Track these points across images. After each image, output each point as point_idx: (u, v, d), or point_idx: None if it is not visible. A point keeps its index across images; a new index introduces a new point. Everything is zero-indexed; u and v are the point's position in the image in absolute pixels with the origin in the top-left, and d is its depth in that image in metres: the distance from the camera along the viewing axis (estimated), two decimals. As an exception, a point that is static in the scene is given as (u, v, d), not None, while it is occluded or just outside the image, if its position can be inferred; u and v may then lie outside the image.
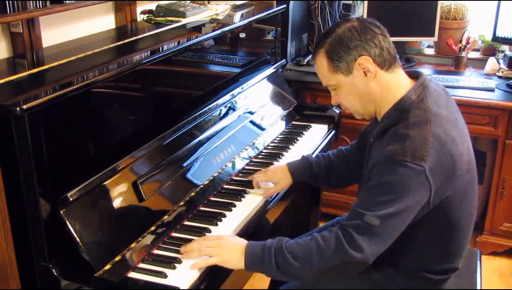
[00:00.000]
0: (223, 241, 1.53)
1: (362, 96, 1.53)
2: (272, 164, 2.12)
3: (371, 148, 1.57)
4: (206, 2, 2.64)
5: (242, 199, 1.86)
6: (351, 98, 1.55)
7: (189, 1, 2.46)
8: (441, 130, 1.44)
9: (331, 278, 1.57)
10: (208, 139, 2.01)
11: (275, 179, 1.89)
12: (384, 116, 1.52)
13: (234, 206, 1.81)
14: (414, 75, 1.57)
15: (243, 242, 1.53)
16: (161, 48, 1.92)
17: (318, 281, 1.49)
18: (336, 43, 1.48)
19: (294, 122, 2.58)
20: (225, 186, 1.95)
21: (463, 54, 3.11)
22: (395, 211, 1.40)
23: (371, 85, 1.50)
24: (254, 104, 2.38)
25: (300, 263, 1.45)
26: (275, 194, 1.93)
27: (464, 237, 1.60)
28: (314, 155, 1.96)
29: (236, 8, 2.49)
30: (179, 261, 1.52)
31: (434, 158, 1.40)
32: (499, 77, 2.99)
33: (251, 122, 2.31)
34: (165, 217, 1.68)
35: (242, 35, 2.69)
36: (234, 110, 2.25)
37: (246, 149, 2.19)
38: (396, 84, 1.51)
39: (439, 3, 3.08)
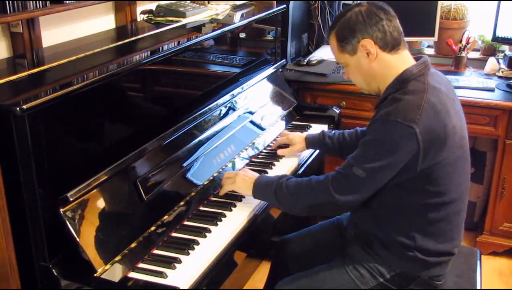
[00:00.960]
0: (239, 173, 1.85)
1: (365, 74, 1.68)
2: (272, 164, 2.13)
3: (373, 117, 1.67)
4: (206, 2, 2.64)
5: (242, 199, 1.86)
6: (357, 75, 1.71)
7: (189, 1, 2.46)
8: (436, 100, 1.55)
9: (319, 213, 1.85)
10: (208, 139, 2.01)
11: (293, 141, 2.19)
12: (387, 87, 1.64)
13: (234, 206, 1.81)
14: (419, 58, 1.67)
15: (256, 175, 1.84)
16: (161, 48, 1.92)
17: (308, 214, 1.80)
18: (344, 26, 1.65)
19: (294, 122, 2.58)
20: (225, 186, 1.95)
21: (463, 54, 3.11)
22: (381, 165, 1.53)
23: (373, 65, 1.64)
24: (254, 104, 2.38)
25: (294, 197, 1.70)
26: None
27: (454, 216, 1.64)
28: (332, 131, 2.15)
29: (236, 8, 2.49)
30: (179, 261, 1.52)
31: (426, 122, 1.50)
32: (499, 77, 2.98)
33: (251, 122, 2.31)
34: (165, 217, 1.68)
35: (242, 35, 2.69)
36: (234, 110, 2.25)
37: (246, 149, 2.19)
38: (399, 63, 1.63)
39: (439, 3, 3.08)
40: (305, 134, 2.21)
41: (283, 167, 2.13)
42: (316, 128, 2.52)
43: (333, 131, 2.13)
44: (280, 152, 2.19)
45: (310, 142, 2.16)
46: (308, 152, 2.27)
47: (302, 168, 2.21)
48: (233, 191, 1.85)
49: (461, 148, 1.61)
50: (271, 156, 2.21)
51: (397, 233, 1.63)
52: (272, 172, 2.08)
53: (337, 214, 1.95)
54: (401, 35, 1.65)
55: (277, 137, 2.38)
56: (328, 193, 1.62)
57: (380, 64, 1.63)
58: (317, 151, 2.29)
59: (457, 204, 1.64)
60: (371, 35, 1.61)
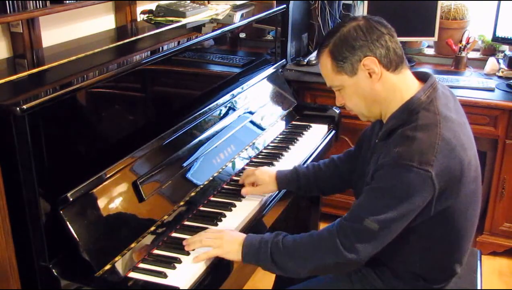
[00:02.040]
0: (224, 234, 1.56)
1: (367, 97, 1.48)
2: (272, 164, 2.12)
3: (375, 149, 1.53)
4: (206, 2, 2.64)
5: (242, 199, 1.86)
6: (355, 100, 1.50)
7: (189, 1, 2.46)
8: (451, 134, 1.40)
9: (325, 274, 1.59)
10: (208, 139, 2.01)
11: (260, 180, 1.86)
12: (391, 116, 1.47)
13: (234, 206, 1.81)
14: (422, 76, 1.52)
15: (243, 235, 1.56)
16: (161, 48, 1.92)
17: (311, 275, 1.53)
18: (341, 43, 1.44)
19: (294, 122, 2.58)
20: (225, 186, 1.95)
21: (463, 54, 3.11)
22: (396, 216, 1.38)
23: (376, 87, 1.45)
24: (254, 104, 2.38)
25: (295, 261, 1.47)
26: (272, 196, 1.91)
27: (466, 245, 1.58)
28: (305, 165, 1.91)
29: (236, 8, 2.49)
30: (179, 261, 1.52)
31: (441, 162, 1.36)
32: (499, 77, 2.99)
33: (251, 122, 2.31)
34: (165, 217, 1.68)
35: (242, 35, 2.69)
36: (234, 110, 2.25)
37: (246, 149, 2.19)
38: (403, 85, 1.47)
39: (439, 3, 3.08)
40: (274, 171, 1.87)
41: (283, 168, 2.13)
42: (316, 128, 2.52)
43: (306, 165, 1.90)
44: (244, 192, 1.85)
45: (282, 183, 1.85)
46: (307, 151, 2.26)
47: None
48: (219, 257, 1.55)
49: (475, 180, 1.49)
50: (272, 156, 2.21)
51: (407, 267, 1.56)
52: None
53: (345, 272, 1.64)
54: (403, 52, 1.47)
55: (277, 137, 2.39)
56: (336, 252, 1.41)
57: (384, 86, 1.44)
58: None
59: (469, 233, 1.56)
60: (374, 53, 1.41)
